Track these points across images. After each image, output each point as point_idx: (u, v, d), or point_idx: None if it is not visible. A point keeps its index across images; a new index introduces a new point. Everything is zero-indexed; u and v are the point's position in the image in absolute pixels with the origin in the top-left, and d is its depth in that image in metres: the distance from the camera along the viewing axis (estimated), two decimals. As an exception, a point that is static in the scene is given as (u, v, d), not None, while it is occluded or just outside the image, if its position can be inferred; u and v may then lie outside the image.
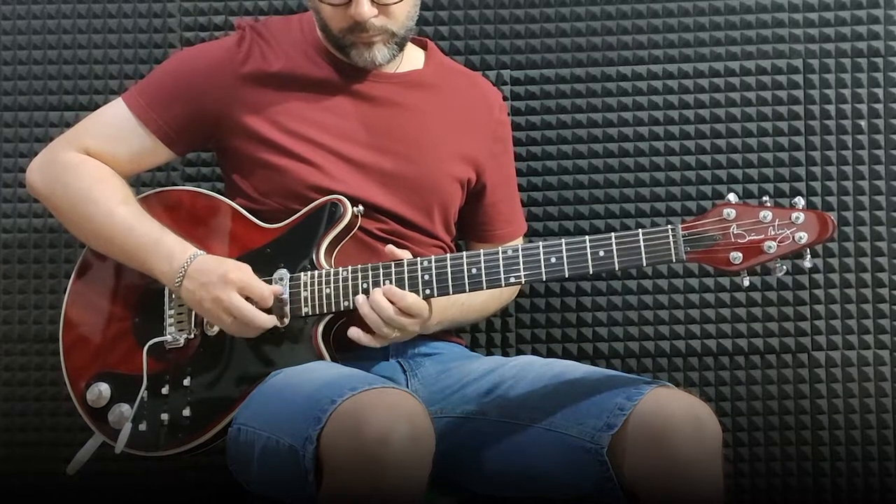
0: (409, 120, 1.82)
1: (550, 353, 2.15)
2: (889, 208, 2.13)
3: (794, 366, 2.14)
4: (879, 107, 2.14)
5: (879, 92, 2.14)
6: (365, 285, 1.65)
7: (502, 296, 1.97)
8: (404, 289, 1.63)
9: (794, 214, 1.49)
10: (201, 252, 1.72)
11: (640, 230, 1.55)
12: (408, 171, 1.81)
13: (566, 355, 2.15)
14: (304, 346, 1.69)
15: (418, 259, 1.65)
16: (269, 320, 1.68)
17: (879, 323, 2.13)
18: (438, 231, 1.86)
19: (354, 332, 1.64)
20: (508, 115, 2.04)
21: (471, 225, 1.96)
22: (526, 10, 2.18)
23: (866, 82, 2.14)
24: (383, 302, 1.62)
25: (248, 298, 1.67)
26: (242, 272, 1.69)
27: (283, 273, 1.72)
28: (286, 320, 1.69)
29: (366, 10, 1.68)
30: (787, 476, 2.14)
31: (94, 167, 1.80)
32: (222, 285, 1.67)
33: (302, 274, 1.70)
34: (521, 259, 1.60)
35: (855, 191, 2.14)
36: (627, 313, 2.16)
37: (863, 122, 2.14)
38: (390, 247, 1.68)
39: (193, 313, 1.75)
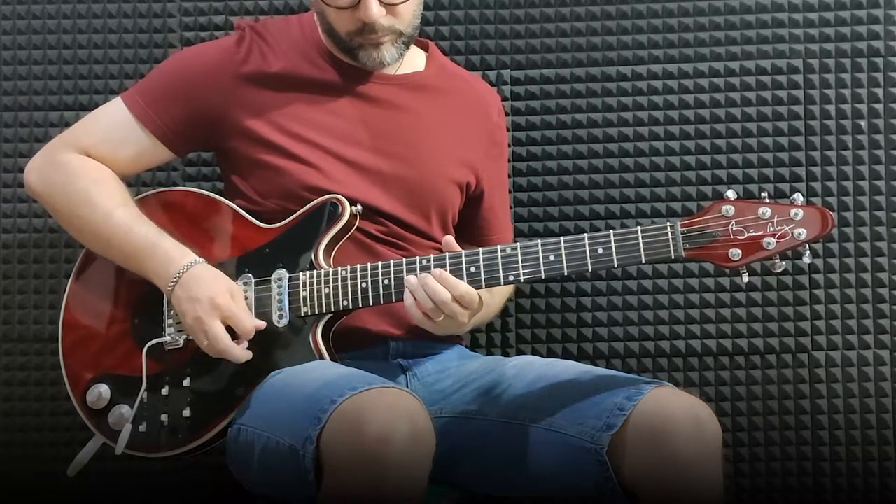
0: (409, 122, 1.82)
1: (550, 353, 2.15)
2: (889, 208, 2.13)
3: (794, 366, 2.14)
4: (879, 107, 2.14)
5: (879, 92, 2.14)
6: (364, 285, 1.65)
7: (509, 291, 2.00)
8: (402, 288, 1.62)
9: (794, 211, 1.49)
10: (201, 260, 1.71)
11: (638, 227, 1.54)
12: (406, 173, 1.80)
13: (566, 355, 2.15)
14: (303, 346, 1.68)
15: (417, 258, 1.64)
16: (244, 355, 1.67)
17: (879, 323, 2.13)
18: (436, 233, 1.85)
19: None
20: (507, 115, 2.04)
21: (469, 229, 1.94)
22: (526, 10, 2.17)
23: (866, 82, 2.14)
24: (436, 286, 1.58)
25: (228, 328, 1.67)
26: (232, 299, 1.68)
27: (281, 273, 1.71)
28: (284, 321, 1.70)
29: (374, 11, 1.68)
30: (787, 476, 2.13)
31: (93, 168, 1.79)
32: (208, 308, 1.66)
33: (301, 274, 1.70)
34: (519, 257, 1.59)
35: (855, 191, 2.14)
36: (627, 313, 2.15)
37: (863, 122, 2.14)
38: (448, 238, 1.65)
39: (192, 314, 1.75)
